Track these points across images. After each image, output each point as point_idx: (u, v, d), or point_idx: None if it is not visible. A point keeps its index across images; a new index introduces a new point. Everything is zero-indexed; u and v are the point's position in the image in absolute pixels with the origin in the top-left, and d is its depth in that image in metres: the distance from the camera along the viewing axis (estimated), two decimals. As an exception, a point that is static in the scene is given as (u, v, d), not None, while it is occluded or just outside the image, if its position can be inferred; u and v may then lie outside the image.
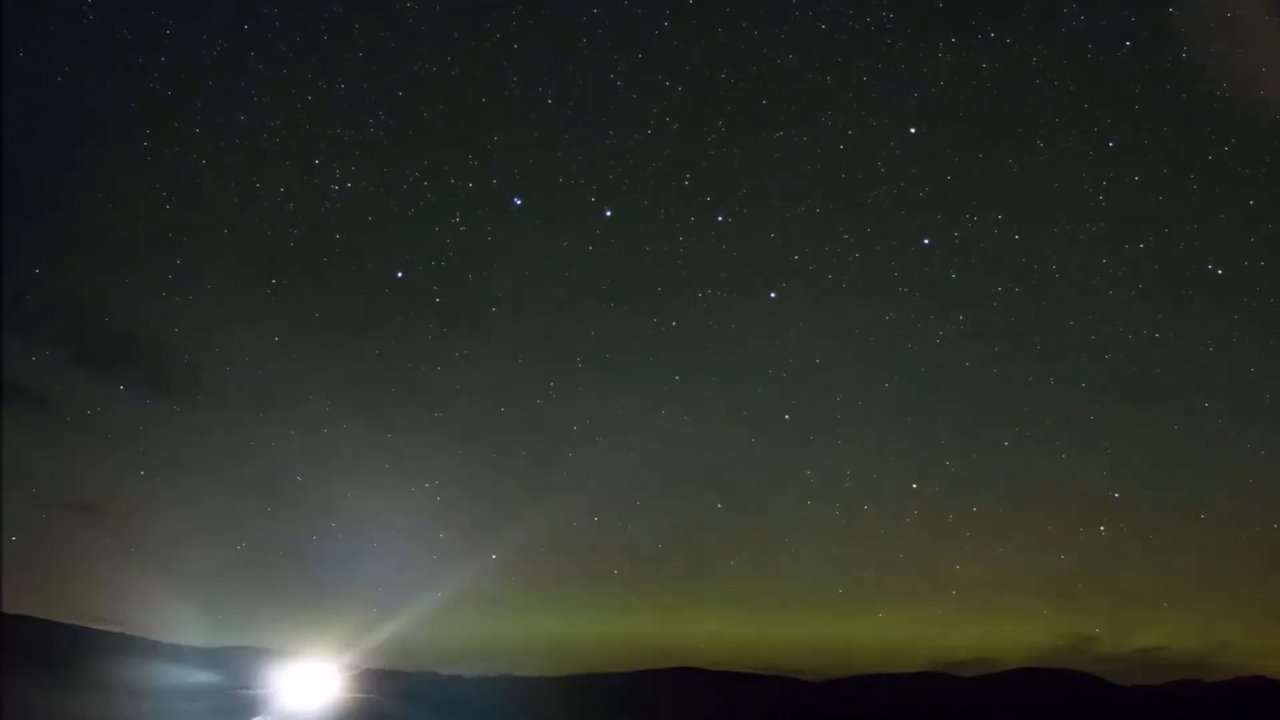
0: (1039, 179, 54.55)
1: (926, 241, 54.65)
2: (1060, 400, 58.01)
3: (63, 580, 55.35)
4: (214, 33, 49.05)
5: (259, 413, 56.81)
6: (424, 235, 54.38)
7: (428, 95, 53.11)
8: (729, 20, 51.36)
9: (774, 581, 63.22)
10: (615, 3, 49.47)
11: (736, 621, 65.73)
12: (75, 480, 57.19)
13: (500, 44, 50.89)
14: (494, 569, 58.49)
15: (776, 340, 58.53)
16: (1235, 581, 60.80)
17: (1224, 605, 63.45)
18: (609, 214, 54.17)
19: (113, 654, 40.64)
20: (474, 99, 52.91)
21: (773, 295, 55.81)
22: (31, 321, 51.70)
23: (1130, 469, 60.95)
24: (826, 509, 58.91)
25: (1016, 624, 65.03)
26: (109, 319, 53.93)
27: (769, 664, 66.37)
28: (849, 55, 51.68)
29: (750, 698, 58.40)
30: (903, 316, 56.61)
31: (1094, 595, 60.74)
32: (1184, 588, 63.27)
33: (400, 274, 55.43)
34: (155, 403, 53.71)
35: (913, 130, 52.94)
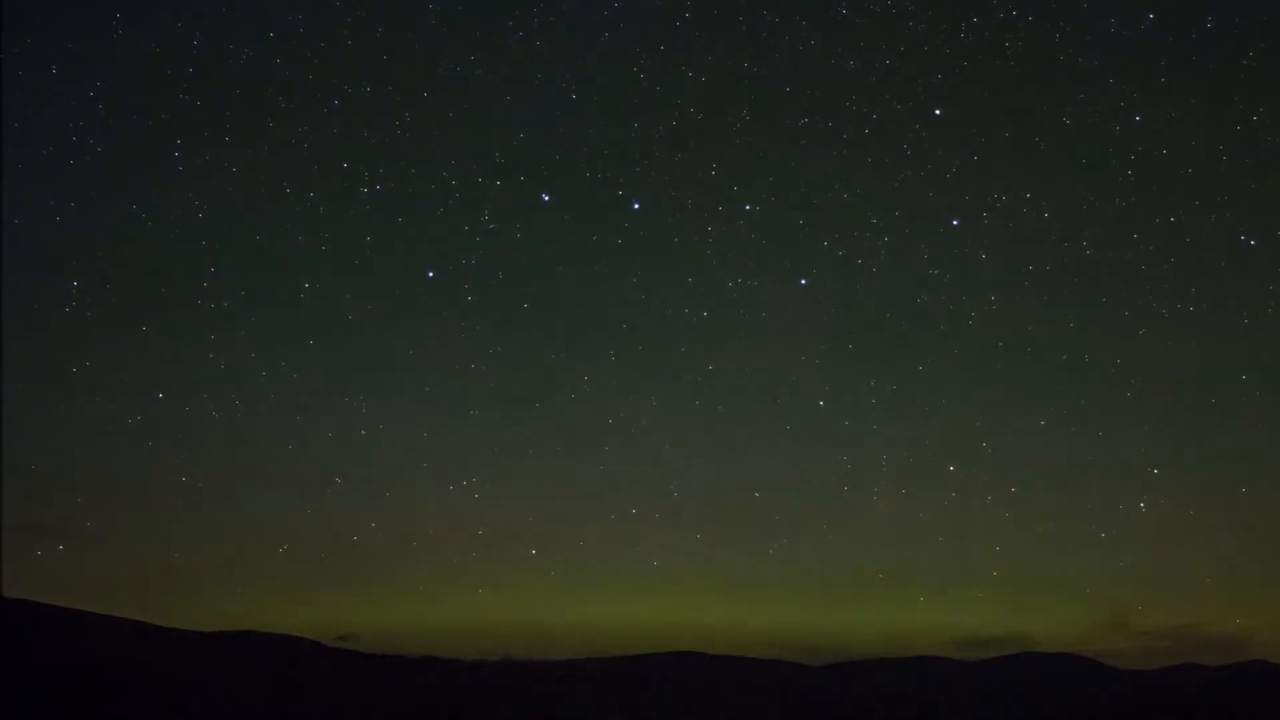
0: (1066, 156, 54.49)
1: (955, 223, 54.66)
2: (1096, 377, 57.96)
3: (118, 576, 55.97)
4: (240, 42, 49.69)
5: (295, 416, 57.39)
6: (454, 234, 54.81)
7: (452, 95, 53.66)
8: (749, 10, 51.52)
9: (814, 568, 63.39)
10: (635, -3, 49.67)
11: (775, 608, 65.87)
12: (120, 486, 57.88)
13: (523, 42, 51.36)
14: (534, 563, 58.75)
15: (808, 327, 58.77)
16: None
17: (1268, 579, 63.10)
18: (637, 206, 54.56)
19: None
20: (498, 97, 53.43)
21: (803, 282, 55.99)
22: (65, 329, 52.28)
23: (1169, 444, 60.97)
24: (864, 494, 59.09)
25: (1058, 602, 65.05)
26: (145, 328, 54.59)
27: (810, 649, 66.43)
28: (871, 40, 51.82)
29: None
30: (934, 299, 56.69)
31: (1135, 572, 60.64)
32: (1227, 562, 63.10)
33: (431, 273, 56.00)
34: (194, 408, 54.24)
35: (938, 112, 53.05)
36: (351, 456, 57.54)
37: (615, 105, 54.08)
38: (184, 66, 49.22)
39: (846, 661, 61.55)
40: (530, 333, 60.24)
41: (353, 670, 43.00)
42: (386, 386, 59.69)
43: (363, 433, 57.27)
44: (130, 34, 48.86)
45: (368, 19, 50.48)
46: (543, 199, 54.24)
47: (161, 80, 49.71)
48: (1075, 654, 65.64)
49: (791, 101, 53.93)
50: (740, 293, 57.18)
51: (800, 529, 63.14)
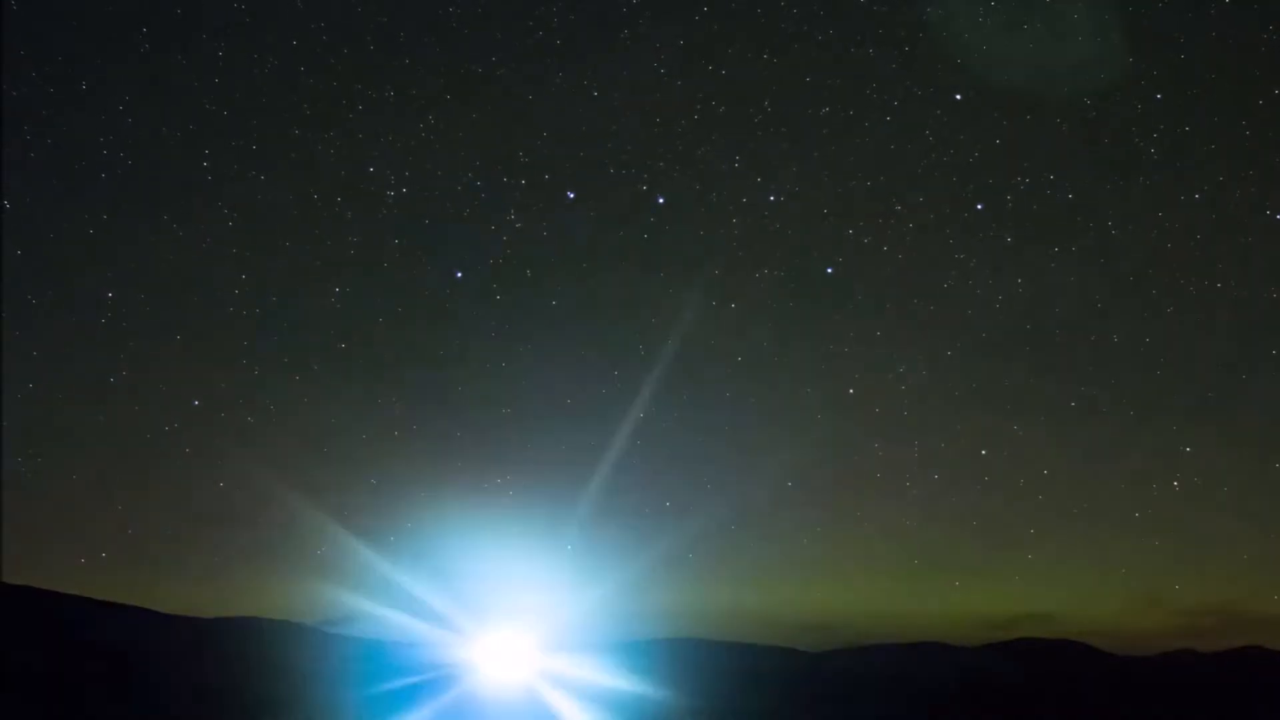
0: (1088, 136, 54.50)
1: (980, 207, 54.66)
2: (1125, 357, 57.84)
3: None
4: (264, 51, 50.22)
5: (330, 419, 57.77)
6: (481, 235, 55.09)
7: (475, 96, 54.00)
8: (767, 1, 51.55)
9: (848, 556, 63.39)
10: (653, -9, 49.94)
11: (811, 598, 65.90)
12: (158, 494, 58.46)
13: (543, 41, 51.69)
14: (570, 560, 58.91)
15: (836, 315, 58.87)
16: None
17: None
18: (662, 201, 54.64)
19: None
20: (521, 97, 53.71)
21: (829, 271, 56.11)
22: (100, 340, 52.93)
23: (1201, 421, 60.78)
24: (896, 480, 59.11)
25: (1094, 583, 64.98)
26: (179, 336, 55.15)
27: (846, 638, 66.34)
28: (889, 26, 51.95)
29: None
30: (961, 284, 56.70)
31: (1170, 551, 60.51)
32: (1263, 540, 62.88)
33: (460, 274, 56.22)
34: (229, 414, 54.73)
35: (958, 96, 53.02)
36: (385, 458, 57.93)
37: (637, 101, 54.36)
38: (209, 77, 49.88)
39: (845, 648, 61.89)
40: (559, 330, 60.54)
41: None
42: (418, 387, 60.12)
43: (395, 434, 57.71)
44: (156, 47, 49.54)
45: (389, 24, 50.97)
46: (567, 197, 54.52)
47: (188, 91, 50.39)
48: (1073, 640, 65.76)
49: (812, 91, 54.10)
50: (767, 283, 57.39)
51: (833, 518, 63.37)
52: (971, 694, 52.90)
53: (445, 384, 59.04)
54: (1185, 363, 59.24)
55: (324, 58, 50.90)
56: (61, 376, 54.86)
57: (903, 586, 64.59)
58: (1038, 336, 59.63)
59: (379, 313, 56.86)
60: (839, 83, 53.70)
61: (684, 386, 61.32)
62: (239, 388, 55.51)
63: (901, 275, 57.24)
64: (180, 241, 54.32)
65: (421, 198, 54.61)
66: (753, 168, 55.61)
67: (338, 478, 58.72)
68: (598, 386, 60.21)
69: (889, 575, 65.02)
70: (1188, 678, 58.91)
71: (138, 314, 54.39)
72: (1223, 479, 60.83)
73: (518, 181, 54.26)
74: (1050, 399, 60.68)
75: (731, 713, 43.68)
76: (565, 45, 52.12)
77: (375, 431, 57.26)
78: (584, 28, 52.20)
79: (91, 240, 52.93)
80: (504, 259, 55.30)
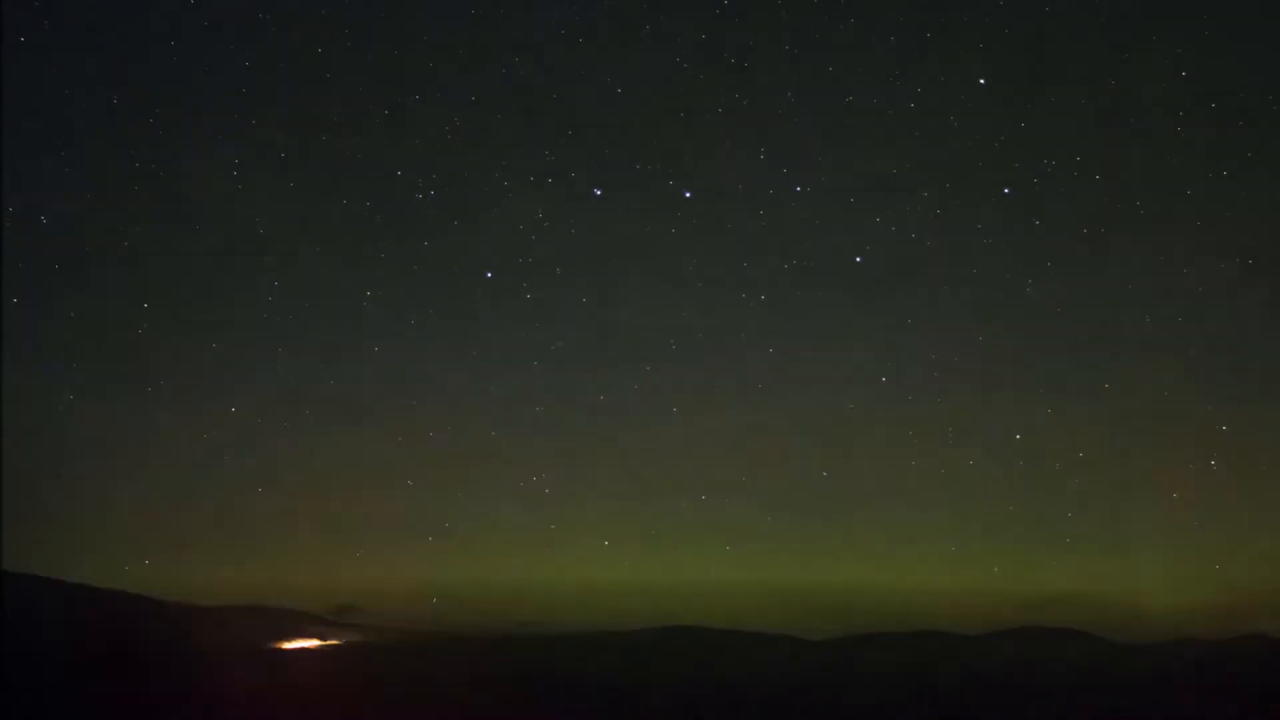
0: (1114, 117, 53.99)
1: (1007, 191, 54.47)
2: (1158, 337, 57.45)
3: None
4: (290, 60, 51.32)
5: (363, 422, 58.94)
6: (509, 234, 55.97)
7: (500, 97, 54.91)
8: (788, -9, 51.64)
9: (884, 544, 63.39)
10: (673, -14, 50.28)
11: (847, 586, 65.97)
12: (198, 500, 60.08)
13: (565, 40, 52.44)
14: (607, 555, 59.71)
15: (866, 304, 58.93)
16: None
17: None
18: (688, 195, 55.00)
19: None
20: (545, 96, 54.47)
21: (858, 259, 56.27)
22: (140, 343, 54.59)
23: (1236, 400, 60.16)
24: (932, 467, 59.02)
25: (1133, 566, 64.42)
26: (215, 345, 56.50)
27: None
28: (910, 13, 51.93)
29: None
30: (990, 268, 56.67)
31: (1210, 531, 59.89)
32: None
33: (490, 274, 57.14)
34: (266, 420, 55.92)
35: (982, 81, 52.95)
36: (422, 459, 59.15)
37: (661, 96, 54.89)
38: (238, 87, 51.29)
39: (846, 637, 61.68)
40: (591, 327, 61.29)
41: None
42: (453, 388, 61.19)
43: (431, 435, 58.84)
44: (185, 60, 50.93)
45: (414, 29, 51.95)
46: (595, 194, 55.20)
47: (218, 103, 51.80)
48: (1078, 629, 64.84)
49: (835, 80, 54.40)
50: (796, 273, 57.86)
51: (870, 506, 63.48)
52: (971, 683, 52.72)
53: (479, 384, 60.00)
54: (1220, 342, 58.61)
55: (349, 64, 52.04)
56: (99, 388, 56.46)
57: (941, 573, 64.49)
58: (1069, 319, 59.32)
59: (411, 315, 58.03)
60: (861, 71, 53.91)
61: (715, 379, 61.75)
62: (274, 394, 56.82)
63: (930, 262, 57.18)
64: (213, 251, 55.82)
65: (450, 199, 55.59)
66: (778, 159, 55.92)
67: (375, 480, 59.96)
68: (630, 382, 60.87)
69: (927, 562, 65.03)
70: (1188, 666, 58.08)
71: (172, 323, 55.92)
72: (1260, 459, 60.12)
73: (544, 180, 55.08)
74: (1084, 381, 60.50)
75: (737, 702, 44.03)
76: (587, 44, 52.75)
77: (410, 433, 58.40)
78: (605, 26, 52.79)
79: (125, 251, 54.59)
80: (533, 258, 56.10)
